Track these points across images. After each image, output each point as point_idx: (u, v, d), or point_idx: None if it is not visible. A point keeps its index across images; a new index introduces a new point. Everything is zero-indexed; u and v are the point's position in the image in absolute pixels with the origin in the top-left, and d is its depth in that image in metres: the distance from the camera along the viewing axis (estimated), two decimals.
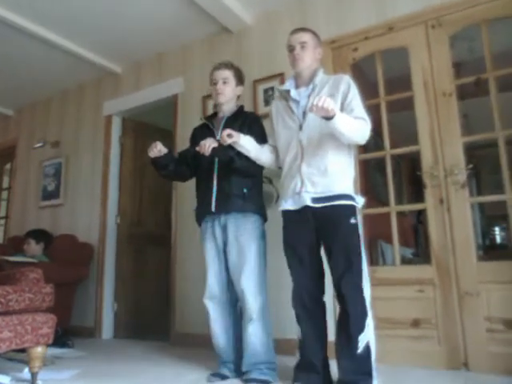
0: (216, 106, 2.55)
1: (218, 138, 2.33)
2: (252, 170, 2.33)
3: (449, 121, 2.62)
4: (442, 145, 2.62)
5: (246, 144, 2.16)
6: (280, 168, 2.25)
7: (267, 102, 3.25)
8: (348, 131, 1.92)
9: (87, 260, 4.02)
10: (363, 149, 2.79)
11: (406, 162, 5.45)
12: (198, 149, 2.25)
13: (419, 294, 2.56)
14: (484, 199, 4.74)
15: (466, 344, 2.39)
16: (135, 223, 4.33)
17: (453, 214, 2.53)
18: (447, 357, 2.43)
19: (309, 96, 2.11)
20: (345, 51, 3.04)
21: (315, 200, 2.00)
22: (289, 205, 2.10)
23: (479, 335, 2.36)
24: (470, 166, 2.57)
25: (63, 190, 4.52)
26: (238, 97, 2.54)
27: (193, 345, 3.23)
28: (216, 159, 2.36)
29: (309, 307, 2.06)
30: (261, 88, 3.34)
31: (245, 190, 2.31)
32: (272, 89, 3.26)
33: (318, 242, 2.07)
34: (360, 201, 2.06)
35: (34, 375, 2.12)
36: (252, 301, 2.22)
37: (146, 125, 4.50)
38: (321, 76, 2.16)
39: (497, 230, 6.93)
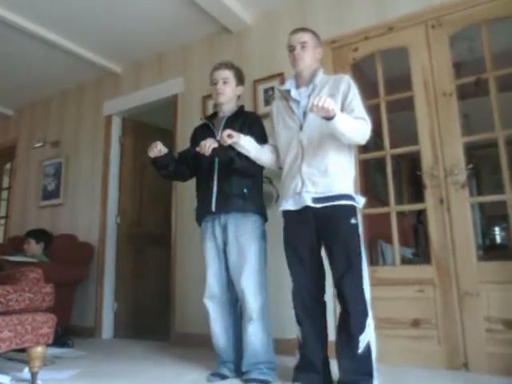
0: (216, 105, 2.55)
1: (218, 138, 2.33)
2: (252, 170, 2.33)
3: (449, 121, 2.62)
4: (442, 145, 2.62)
5: (247, 144, 2.16)
6: (280, 168, 2.25)
7: (267, 102, 3.25)
8: (348, 131, 1.92)
9: (87, 260, 4.02)
10: (363, 149, 2.78)
11: (406, 162, 5.45)
12: (198, 149, 2.25)
13: (419, 294, 2.56)
14: (484, 199, 4.74)
15: (465, 344, 2.39)
16: (135, 223, 4.33)
17: (453, 214, 2.53)
18: (447, 357, 2.43)
19: (309, 96, 2.11)
20: (345, 51, 3.04)
21: (316, 200, 2.01)
22: (289, 205, 2.10)
23: (479, 335, 2.36)
24: (470, 166, 2.57)
25: (63, 189, 4.52)
26: (239, 97, 2.54)
27: (193, 345, 3.23)
28: (216, 159, 2.36)
29: (309, 307, 2.07)
30: (261, 88, 3.34)
31: (245, 190, 2.31)
32: (272, 89, 3.26)
33: (318, 242, 2.07)
34: (360, 201, 2.06)
35: (33, 375, 2.12)
36: (252, 301, 2.22)
37: (146, 125, 4.50)
38: (321, 76, 2.16)
39: (497, 230, 6.93)
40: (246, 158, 2.23)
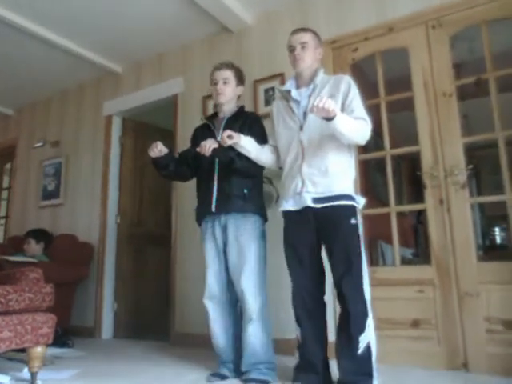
0: (216, 106, 2.55)
1: (218, 138, 2.33)
2: (252, 171, 2.33)
3: (449, 121, 2.62)
4: (442, 145, 2.62)
5: (247, 145, 2.16)
6: (281, 168, 2.25)
7: (268, 102, 3.25)
8: (348, 132, 1.92)
9: (87, 260, 4.02)
10: (363, 149, 2.78)
11: (406, 162, 5.45)
12: (198, 150, 2.25)
13: (419, 295, 2.56)
14: (484, 199, 4.75)
15: (465, 344, 2.39)
16: (135, 223, 4.33)
17: (453, 215, 2.53)
18: (447, 357, 2.43)
19: (309, 96, 2.11)
20: (345, 51, 3.04)
21: (316, 200, 2.01)
22: (290, 205, 2.10)
23: (479, 336, 2.36)
24: (470, 166, 2.57)
25: (63, 189, 4.52)
26: (239, 97, 2.54)
27: (193, 345, 3.24)
28: (216, 160, 2.36)
29: (309, 307, 2.07)
30: (261, 88, 3.34)
31: (245, 191, 2.31)
32: (272, 89, 3.26)
33: (318, 242, 2.07)
34: (360, 201, 2.06)
35: (33, 375, 2.12)
36: (252, 301, 2.22)
37: (146, 125, 4.50)
38: (321, 76, 2.16)
39: (497, 230, 6.93)
40: (247, 159, 2.23)
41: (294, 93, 2.16)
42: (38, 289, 2.17)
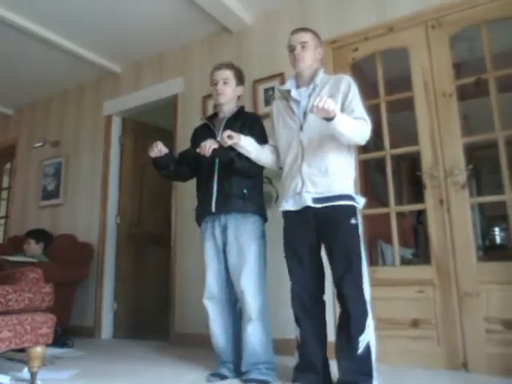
0: (216, 106, 2.55)
1: (218, 138, 2.33)
2: (252, 171, 2.33)
3: (449, 121, 2.62)
4: (441, 145, 2.62)
5: (247, 145, 2.16)
6: (281, 168, 2.25)
7: (267, 102, 3.25)
8: (348, 132, 1.92)
9: (87, 260, 4.02)
10: (363, 149, 2.78)
11: (406, 162, 5.45)
12: (198, 150, 2.25)
13: (419, 295, 2.56)
14: (484, 200, 4.75)
15: (465, 344, 2.39)
16: (135, 223, 4.33)
17: (453, 215, 2.53)
18: (446, 357, 2.43)
19: (309, 96, 2.11)
20: (345, 51, 3.04)
21: (316, 200, 2.00)
22: (289, 205, 2.10)
23: (478, 336, 2.36)
24: (470, 166, 2.57)
25: (63, 189, 4.52)
26: (239, 97, 2.54)
27: (192, 345, 3.23)
28: (216, 160, 2.36)
29: (309, 307, 2.06)
30: (261, 88, 3.34)
31: (245, 191, 2.31)
32: (272, 89, 3.26)
33: (318, 242, 2.07)
34: (360, 201, 2.06)
35: (33, 375, 2.12)
36: (251, 301, 2.22)
37: (146, 125, 4.50)
38: (321, 76, 2.16)
39: (497, 230, 6.92)
40: (247, 159, 2.23)
41: (293, 93, 2.16)
42: (37, 289, 2.16)
